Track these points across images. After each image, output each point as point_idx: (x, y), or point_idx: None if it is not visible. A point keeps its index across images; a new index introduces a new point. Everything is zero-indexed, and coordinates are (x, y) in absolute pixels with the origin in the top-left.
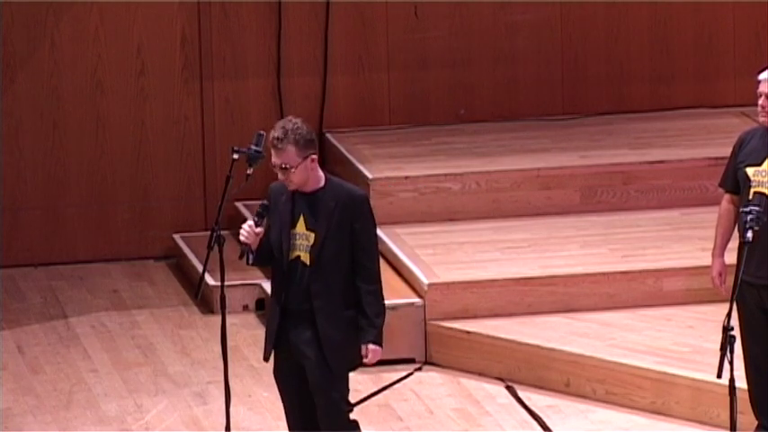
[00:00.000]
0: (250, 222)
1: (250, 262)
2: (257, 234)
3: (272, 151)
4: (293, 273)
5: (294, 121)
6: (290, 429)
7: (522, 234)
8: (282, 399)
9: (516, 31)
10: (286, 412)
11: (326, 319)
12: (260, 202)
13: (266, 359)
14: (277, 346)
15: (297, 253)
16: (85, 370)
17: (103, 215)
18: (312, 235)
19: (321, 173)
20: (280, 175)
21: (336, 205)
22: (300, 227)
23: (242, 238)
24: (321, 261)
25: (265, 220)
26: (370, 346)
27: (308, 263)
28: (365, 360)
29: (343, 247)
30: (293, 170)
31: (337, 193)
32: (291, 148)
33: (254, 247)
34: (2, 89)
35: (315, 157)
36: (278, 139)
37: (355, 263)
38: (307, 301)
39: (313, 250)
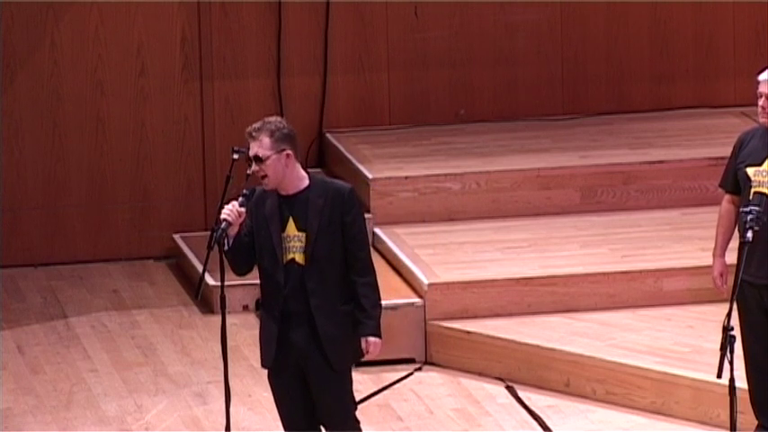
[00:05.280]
0: (234, 202)
1: (227, 246)
2: (240, 214)
3: (249, 145)
4: (289, 276)
5: (276, 118)
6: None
7: (522, 234)
8: (280, 402)
9: (516, 31)
10: (284, 415)
11: (324, 317)
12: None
13: (267, 365)
14: (276, 349)
15: (291, 255)
16: (85, 370)
17: (103, 215)
18: (304, 235)
19: (303, 173)
20: (256, 172)
21: (326, 202)
22: (291, 229)
23: (223, 214)
24: (315, 259)
25: (245, 209)
26: (371, 339)
27: (302, 263)
28: (366, 354)
29: (335, 243)
30: (266, 162)
31: (324, 190)
32: (266, 139)
33: (234, 227)
34: (2, 89)
35: (290, 153)
36: (254, 129)
37: (348, 256)
38: (304, 301)
39: (306, 249)
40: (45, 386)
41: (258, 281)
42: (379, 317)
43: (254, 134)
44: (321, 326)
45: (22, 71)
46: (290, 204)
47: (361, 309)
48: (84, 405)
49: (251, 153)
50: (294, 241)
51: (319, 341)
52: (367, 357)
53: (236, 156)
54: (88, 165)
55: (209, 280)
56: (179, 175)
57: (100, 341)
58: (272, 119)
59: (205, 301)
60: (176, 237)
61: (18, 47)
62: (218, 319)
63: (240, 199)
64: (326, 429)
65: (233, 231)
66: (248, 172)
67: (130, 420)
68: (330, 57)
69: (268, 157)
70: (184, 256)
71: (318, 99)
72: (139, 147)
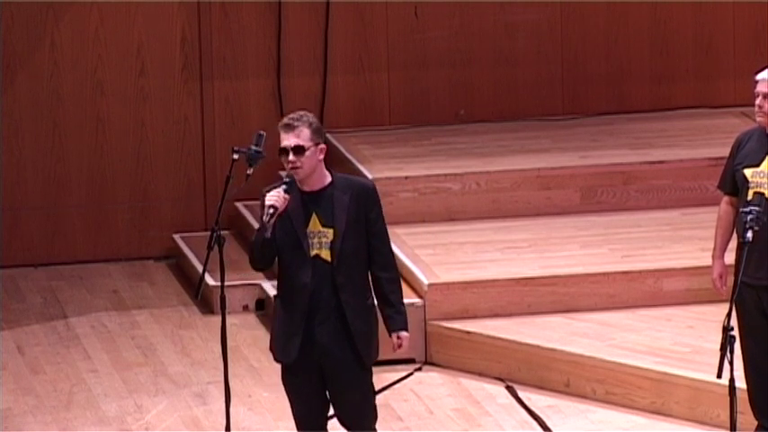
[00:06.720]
0: (279, 189)
1: (269, 234)
2: (285, 200)
3: (284, 134)
4: (315, 271)
5: (308, 112)
6: (301, 430)
7: (522, 234)
8: (296, 400)
9: (516, 31)
10: (299, 413)
11: (354, 312)
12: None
13: (288, 360)
14: (300, 345)
15: (315, 251)
16: (85, 370)
17: (103, 215)
18: (330, 231)
19: (326, 170)
20: (287, 162)
21: (351, 198)
22: (315, 225)
23: (270, 200)
24: (343, 255)
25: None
26: (402, 334)
27: (329, 259)
28: (399, 349)
29: (361, 239)
30: (306, 152)
31: (348, 187)
32: (306, 130)
33: (280, 211)
34: (2, 89)
35: (324, 148)
36: (293, 119)
37: (373, 251)
38: (332, 297)
39: (334, 246)
40: (45, 386)
41: (258, 281)
42: (406, 311)
43: (294, 124)
44: (352, 321)
45: (22, 71)
46: (314, 200)
47: (389, 304)
48: (84, 405)
49: (289, 143)
50: (319, 237)
51: (350, 337)
52: (399, 352)
53: (236, 156)
54: (88, 165)
55: (209, 280)
56: (179, 175)
57: (100, 341)
58: (305, 112)
59: (205, 301)
60: (176, 237)
61: (18, 47)
62: (218, 319)
63: (284, 186)
64: (347, 424)
65: (280, 211)
66: (248, 172)
67: (130, 420)
68: (330, 57)
69: (309, 148)
70: (184, 256)
71: (318, 99)
72: (139, 147)
